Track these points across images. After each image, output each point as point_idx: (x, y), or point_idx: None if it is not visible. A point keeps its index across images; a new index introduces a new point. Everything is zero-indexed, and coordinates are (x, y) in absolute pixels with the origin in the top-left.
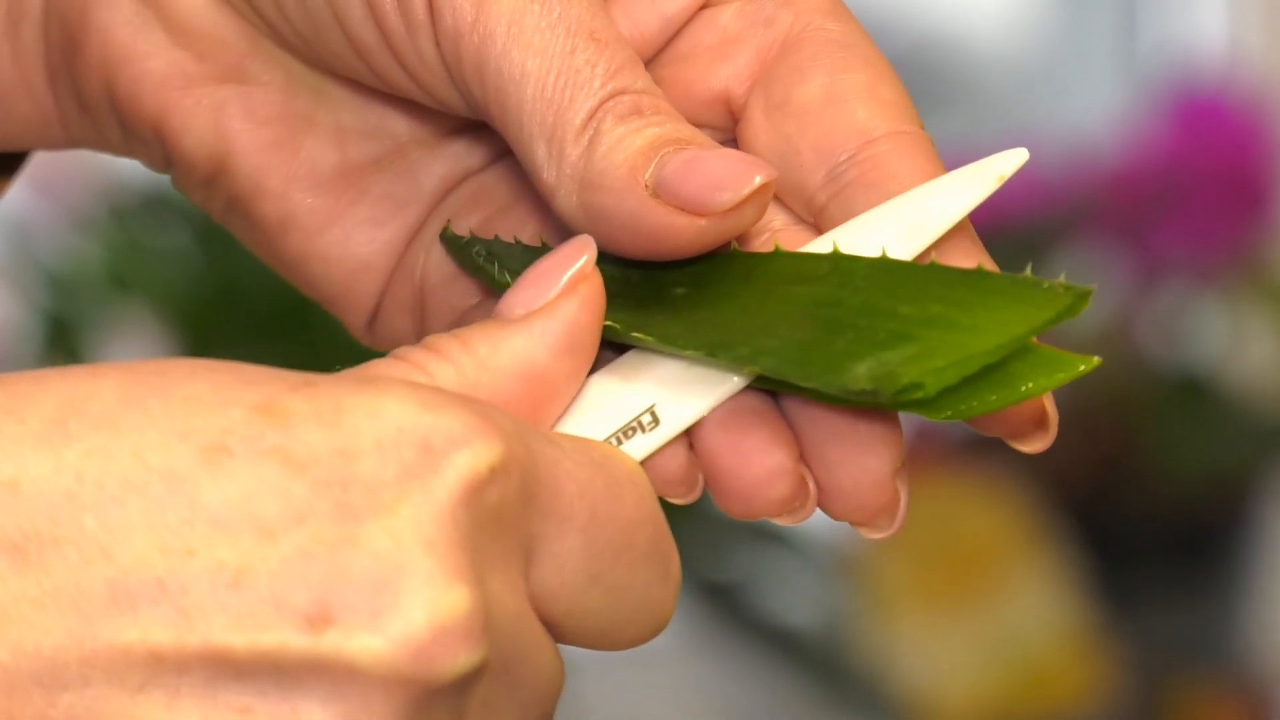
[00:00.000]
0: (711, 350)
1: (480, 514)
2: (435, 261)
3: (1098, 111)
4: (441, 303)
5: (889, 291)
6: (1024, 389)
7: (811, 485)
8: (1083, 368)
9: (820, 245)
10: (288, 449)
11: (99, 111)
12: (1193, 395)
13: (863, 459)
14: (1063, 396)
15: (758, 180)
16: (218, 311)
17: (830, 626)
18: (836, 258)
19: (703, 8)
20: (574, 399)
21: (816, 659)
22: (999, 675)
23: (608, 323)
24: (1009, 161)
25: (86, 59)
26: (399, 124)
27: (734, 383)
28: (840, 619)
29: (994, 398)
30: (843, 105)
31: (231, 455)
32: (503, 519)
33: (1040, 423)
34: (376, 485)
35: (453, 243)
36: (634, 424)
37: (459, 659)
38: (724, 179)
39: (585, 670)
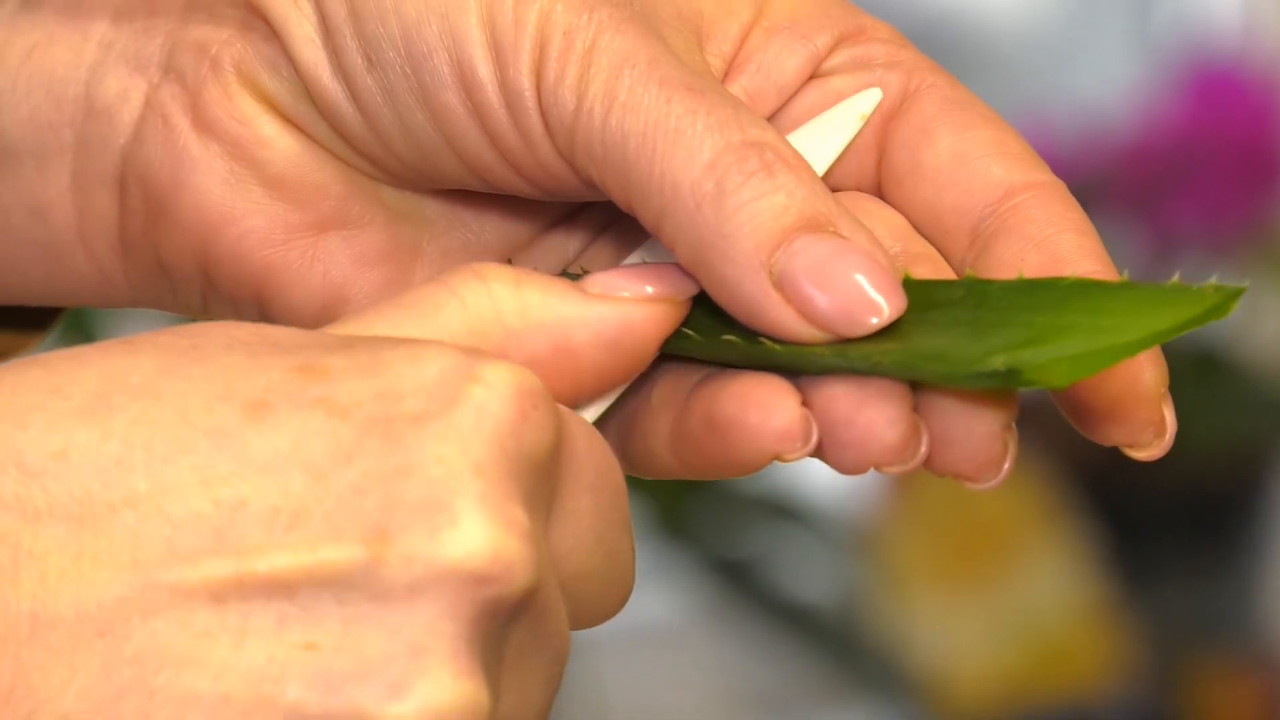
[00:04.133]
0: (840, 351)
1: (523, 449)
2: None
3: (1112, 84)
4: None
5: (1027, 307)
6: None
7: (924, 435)
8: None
9: None
10: (331, 398)
11: (183, 277)
12: (1208, 370)
13: (978, 410)
14: None
15: (888, 312)
16: None
17: (845, 603)
18: (971, 282)
19: (812, 77)
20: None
21: (832, 636)
22: (1015, 652)
23: (729, 338)
24: (867, 101)
25: (177, 224)
26: (495, 232)
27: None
28: (855, 596)
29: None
30: (975, 163)
31: (275, 410)
32: (537, 463)
33: (1158, 429)
34: (423, 418)
35: None
36: None
37: (515, 579)
38: (858, 302)
39: (601, 648)
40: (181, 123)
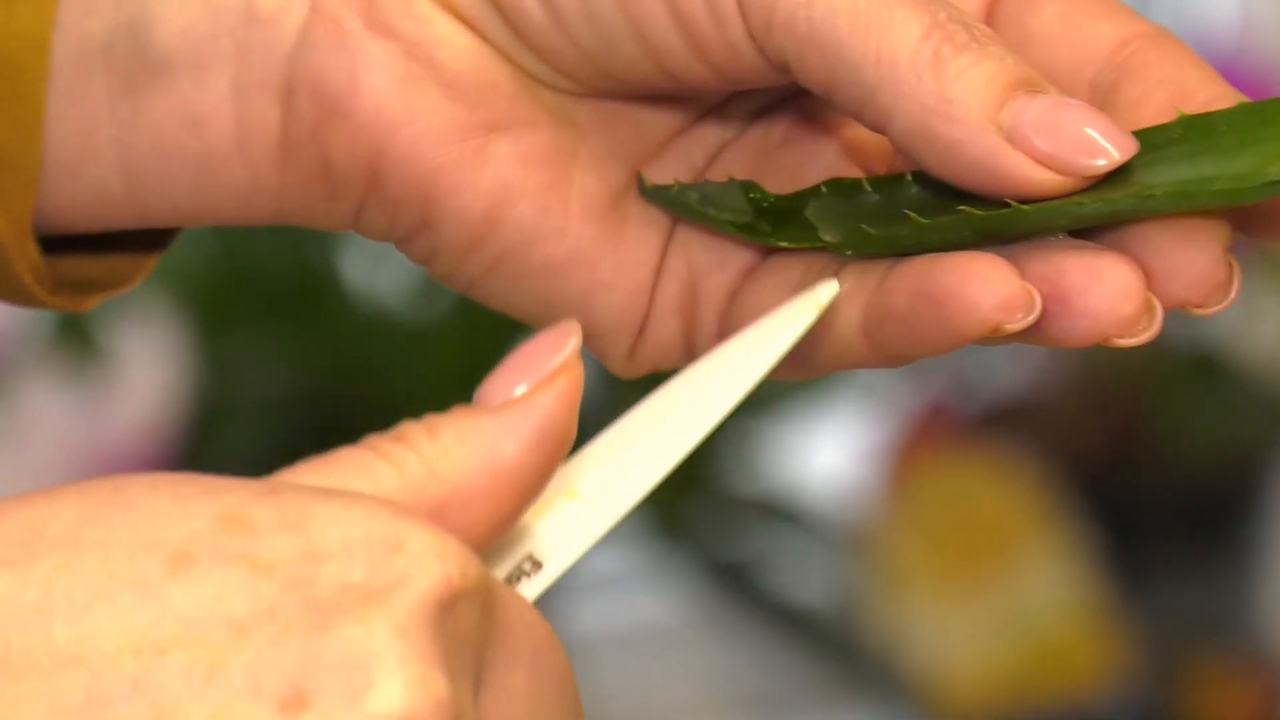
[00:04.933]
0: (1101, 196)
1: (448, 624)
2: (695, 249)
3: None
4: (708, 287)
5: (1258, 124)
6: None
7: (1158, 309)
8: None
9: (639, 410)
10: (254, 554)
11: (348, 180)
12: (1206, 371)
13: (1196, 238)
14: (1076, 371)
15: (1120, 154)
16: (230, 294)
17: (842, 605)
18: (1184, 120)
19: None
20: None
21: (828, 638)
22: (1012, 653)
23: (965, 209)
24: (824, 293)
25: (352, 126)
26: (647, 131)
27: (616, 519)
28: (852, 597)
29: None
30: (1081, 23)
31: (197, 562)
32: (465, 638)
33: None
34: (346, 584)
35: (659, 195)
36: (518, 570)
37: None
38: (1091, 143)
39: (598, 650)
40: (355, 25)
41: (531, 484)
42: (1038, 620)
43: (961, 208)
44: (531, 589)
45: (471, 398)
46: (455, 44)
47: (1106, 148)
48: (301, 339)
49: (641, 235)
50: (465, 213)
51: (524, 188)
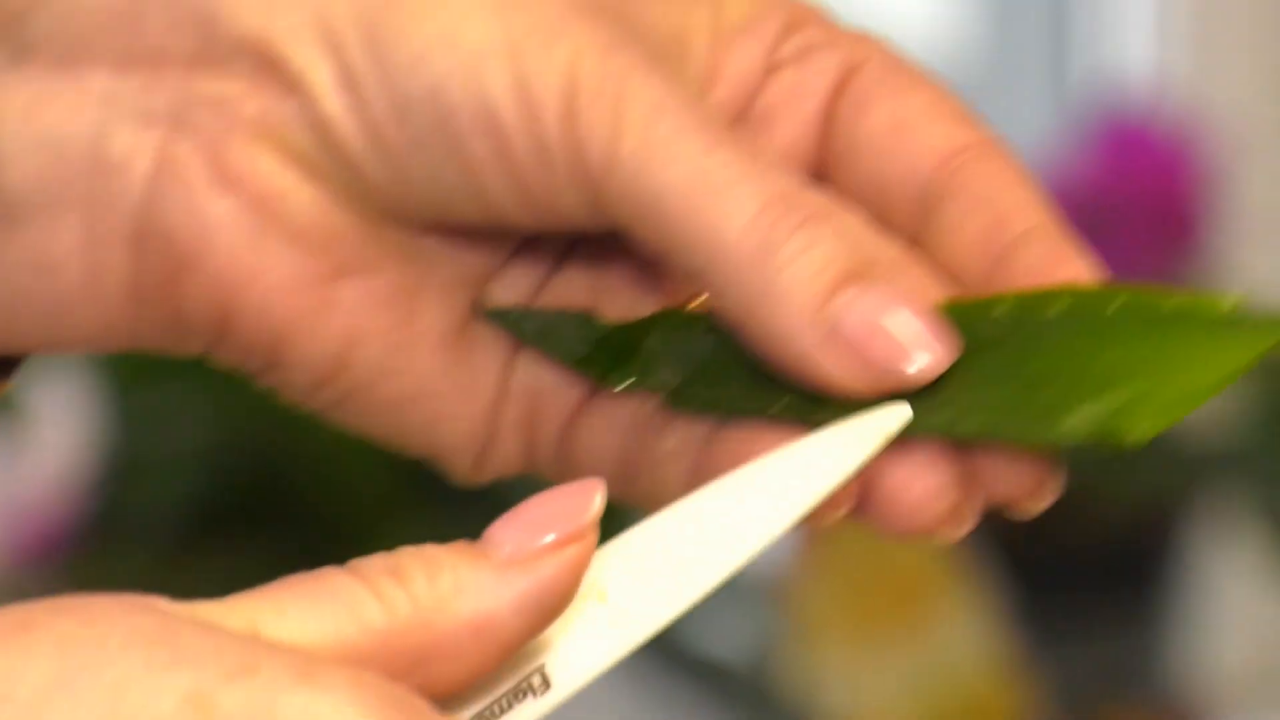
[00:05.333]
0: (914, 419)
1: None
2: (537, 370)
3: (1027, 138)
4: (550, 407)
5: (1084, 340)
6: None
7: (977, 496)
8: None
9: (688, 505)
10: None
11: (198, 329)
12: None
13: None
14: None
15: (939, 361)
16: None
17: (758, 658)
18: (1011, 317)
19: (767, 71)
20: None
21: (743, 690)
22: (926, 705)
23: (785, 400)
24: (892, 420)
25: (200, 280)
26: (495, 251)
27: (641, 639)
28: (768, 650)
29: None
30: (911, 131)
31: None
32: None
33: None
34: None
35: (498, 318)
36: (524, 685)
37: None
38: (910, 351)
39: None
40: (201, 178)
41: (520, 644)
42: (951, 672)
43: (786, 394)
44: (533, 711)
45: (390, 462)
46: (300, 196)
47: (925, 357)
48: (220, 391)
49: (486, 358)
50: (313, 357)
51: (371, 330)
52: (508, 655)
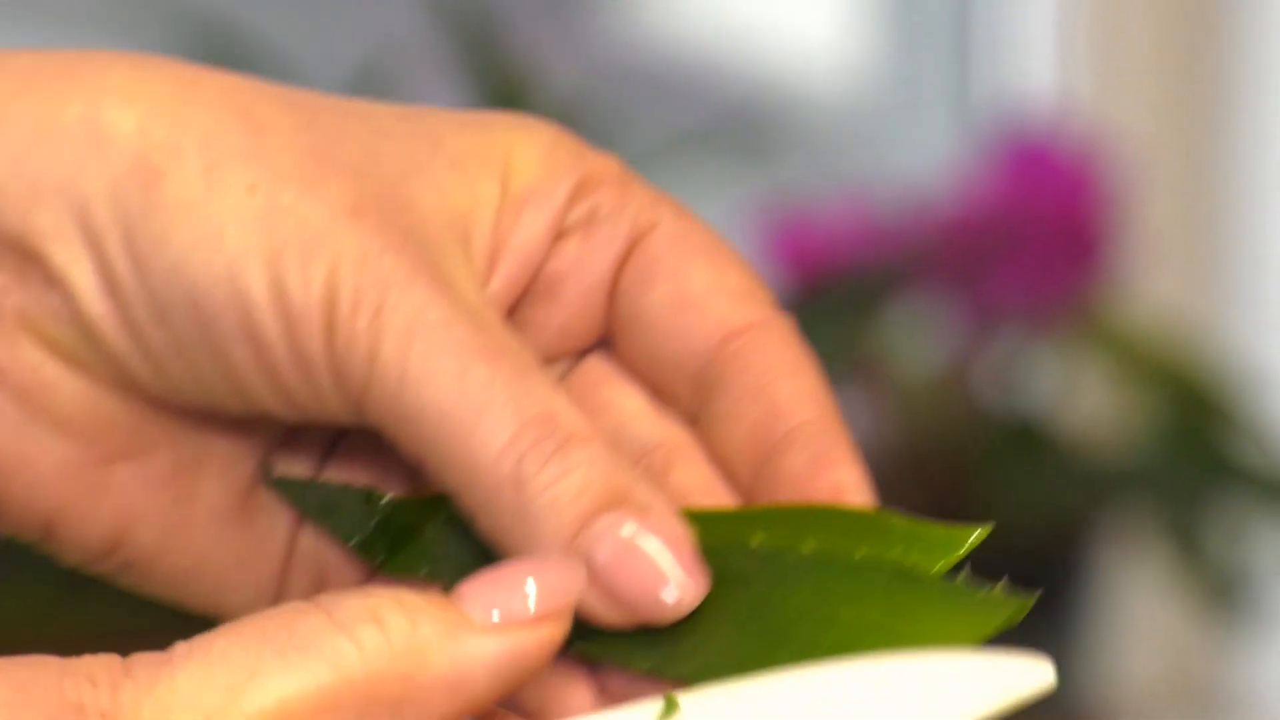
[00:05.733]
0: (656, 666)
1: None
2: (324, 541)
3: (931, 159)
4: (337, 579)
5: (827, 593)
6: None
7: None
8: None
9: (785, 684)
10: None
11: None
12: (1027, 442)
13: None
14: (897, 441)
15: (690, 594)
16: None
17: None
18: (772, 550)
19: (556, 238)
20: None
21: None
22: None
23: None
24: (1037, 678)
25: None
26: (272, 431)
27: None
28: None
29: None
30: (693, 308)
31: None
32: None
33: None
34: None
35: (283, 489)
36: None
37: None
38: (659, 584)
39: None
40: None
41: (484, 707)
42: None
43: None
44: None
45: None
46: (67, 388)
47: (673, 595)
48: None
49: (270, 526)
50: (86, 539)
51: (146, 511)
52: (472, 715)
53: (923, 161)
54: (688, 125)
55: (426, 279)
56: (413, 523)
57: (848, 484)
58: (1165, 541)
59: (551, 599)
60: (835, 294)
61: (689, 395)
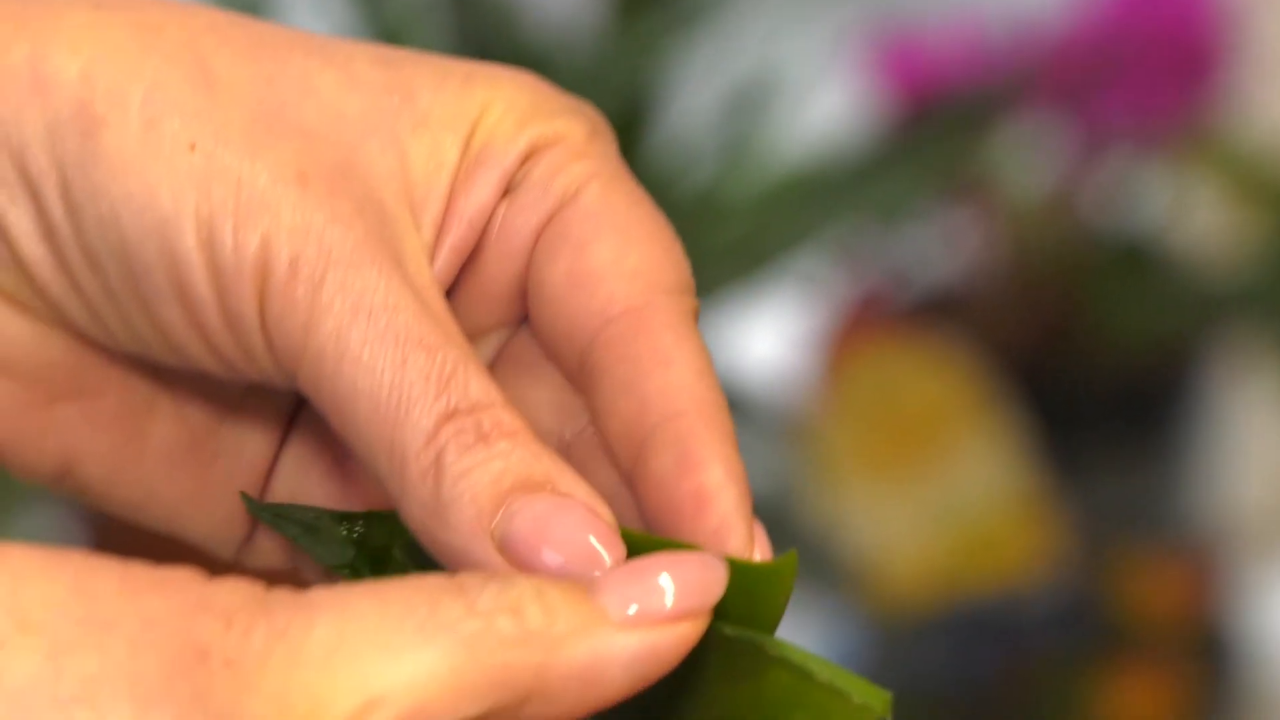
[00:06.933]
0: None
1: None
2: (295, 481)
3: None
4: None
5: (722, 678)
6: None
7: None
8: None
9: None
10: None
11: None
12: (1136, 263)
13: None
14: (1009, 262)
15: (610, 564)
16: None
17: (778, 494)
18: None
19: (504, 194)
20: None
21: (764, 526)
22: (946, 540)
23: None
24: None
25: None
26: (234, 387)
27: None
28: (788, 486)
29: None
30: (581, 288)
31: None
32: None
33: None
34: None
35: (263, 513)
36: None
37: None
38: (581, 554)
39: None
40: None
41: (614, 702)
42: (971, 508)
43: None
44: None
45: None
46: (8, 328)
47: (599, 557)
48: None
49: (234, 467)
50: (33, 472)
51: (92, 449)
52: (601, 710)
53: None
54: None
55: (374, 257)
56: (384, 542)
57: (711, 487)
58: (1276, 362)
59: (690, 596)
60: (943, 115)
61: (574, 376)
